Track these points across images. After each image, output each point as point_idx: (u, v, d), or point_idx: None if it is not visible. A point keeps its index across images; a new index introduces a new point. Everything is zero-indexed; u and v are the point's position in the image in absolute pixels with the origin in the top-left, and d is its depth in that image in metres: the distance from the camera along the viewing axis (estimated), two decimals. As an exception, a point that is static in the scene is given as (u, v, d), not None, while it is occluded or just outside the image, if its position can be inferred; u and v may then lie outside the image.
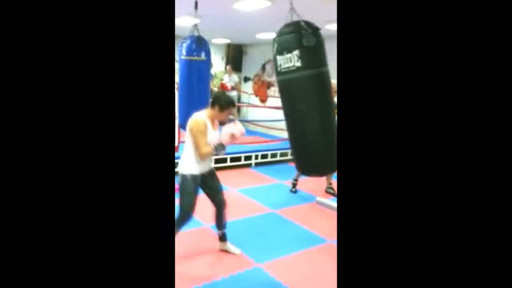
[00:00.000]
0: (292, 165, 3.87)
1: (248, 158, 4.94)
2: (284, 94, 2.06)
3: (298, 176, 3.82)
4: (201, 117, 2.06)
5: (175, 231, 2.14)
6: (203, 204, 3.05)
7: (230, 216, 3.05)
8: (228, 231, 2.77)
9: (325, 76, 2.04)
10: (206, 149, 2.01)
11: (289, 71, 1.91)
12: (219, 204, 2.29)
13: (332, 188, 3.89)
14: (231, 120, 2.10)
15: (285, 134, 6.07)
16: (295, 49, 1.91)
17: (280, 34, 1.97)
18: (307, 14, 2.08)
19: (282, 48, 1.94)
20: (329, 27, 4.54)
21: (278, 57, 1.96)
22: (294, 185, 3.92)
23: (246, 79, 8.12)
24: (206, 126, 2.05)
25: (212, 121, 2.11)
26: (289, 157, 5.17)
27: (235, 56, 8.08)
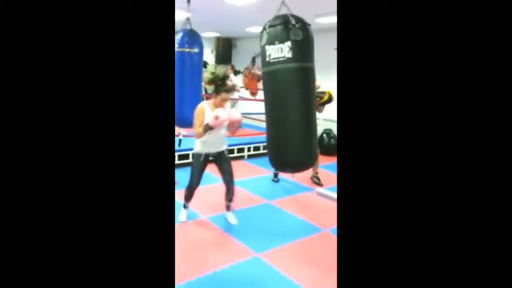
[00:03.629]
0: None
1: (241, 150, 4.99)
2: (269, 85, 2.02)
3: None
4: (202, 103, 2.51)
5: (186, 194, 2.74)
6: (200, 197, 3.09)
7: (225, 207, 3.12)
8: (225, 221, 2.83)
9: (311, 72, 2.01)
10: (198, 129, 2.40)
11: (278, 62, 1.90)
12: (225, 182, 2.68)
13: (317, 178, 4.00)
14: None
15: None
16: (286, 40, 1.89)
17: (271, 25, 1.95)
18: (297, 7, 2.10)
19: (274, 38, 1.92)
20: (319, 21, 4.59)
21: (268, 47, 1.94)
22: (276, 175, 4.05)
23: (236, 73, 8.11)
24: (203, 110, 2.43)
25: (216, 106, 2.44)
26: (262, 151, 5.22)
27: (225, 50, 8.05)
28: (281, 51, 1.88)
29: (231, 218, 2.82)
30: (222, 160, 2.65)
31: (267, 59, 1.93)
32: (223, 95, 2.44)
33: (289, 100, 1.93)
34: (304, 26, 1.96)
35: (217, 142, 2.59)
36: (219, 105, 2.46)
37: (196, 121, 2.43)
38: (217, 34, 7.29)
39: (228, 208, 2.84)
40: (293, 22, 1.90)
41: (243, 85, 7.87)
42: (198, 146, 2.59)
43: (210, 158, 2.64)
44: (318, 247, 2.50)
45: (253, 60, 7.55)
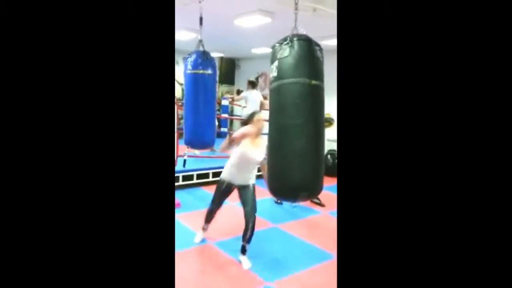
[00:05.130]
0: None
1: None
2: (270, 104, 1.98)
3: None
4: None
5: (206, 215, 2.72)
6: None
7: (233, 232, 3.02)
8: (233, 247, 2.73)
9: (296, 86, 1.85)
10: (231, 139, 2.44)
11: (271, 81, 1.87)
12: (245, 216, 2.48)
13: (317, 198, 3.92)
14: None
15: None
16: (275, 59, 1.85)
17: (272, 46, 1.90)
18: (304, 29, 2.11)
19: (270, 58, 1.90)
20: (326, 43, 4.63)
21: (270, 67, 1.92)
22: None
23: (239, 92, 8.14)
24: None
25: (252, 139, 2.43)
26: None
27: (228, 70, 8.11)
28: (272, 70, 1.87)
29: (245, 262, 2.48)
30: (245, 191, 2.52)
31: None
32: (253, 120, 2.45)
33: (281, 115, 1.83)
34: (297, 42, 1.85)
35: (243, 177, 2.50)
36: (256, 134, 2.47)
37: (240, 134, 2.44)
38: (221, 54, 7.35)
39: (242, 249, 2.52)
40: (287, 40, 1.84)
41: (245, 105, 7.88)
42: (225, 172, 2.56)
43: (233, 187, 2.55)
44: (331, 276, 2.39)
45: (257, 80, 7.59)
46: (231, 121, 8.17)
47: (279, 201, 3.97)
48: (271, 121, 1.97)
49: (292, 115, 1.84)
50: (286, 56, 1.84)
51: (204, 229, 2.80)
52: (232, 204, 3.70)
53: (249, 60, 7.62)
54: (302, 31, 2.02)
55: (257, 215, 2.95)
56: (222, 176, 2.56)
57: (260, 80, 7.45)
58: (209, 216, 2.70)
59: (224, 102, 8.09)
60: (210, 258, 2.58)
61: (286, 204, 3.94)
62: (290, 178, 1.78)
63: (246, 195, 2.49)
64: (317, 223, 3.43)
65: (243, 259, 2.49)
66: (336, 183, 4.06)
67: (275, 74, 1.84)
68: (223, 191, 2.54)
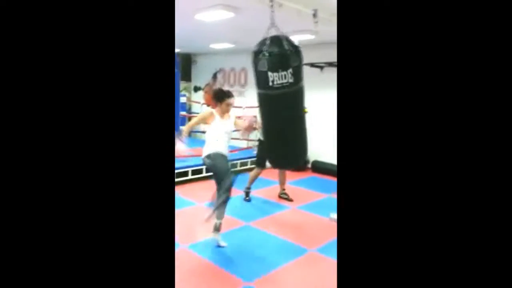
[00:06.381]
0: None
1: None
2: (272, 104, 2.31)
3: (250, 184, 3.95)
4: (210, 109, 2.76)
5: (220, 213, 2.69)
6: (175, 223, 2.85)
7: (207, 234, 2.93)
8: (207, 249, 2.65)
9: (303, 88, 2.38)
10: (192, 123, 2.80)
11: (283, 87, 2.16)
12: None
13: (285, 193, 4.02)
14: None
15: (242, 144, 5.99)
16: (288, 67, 2.15)
17: (271, 52, 2.14)
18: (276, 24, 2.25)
19: (277, 66, 2.14)
20: (295, 37, 4.65)
21: (271, 74, 2.15)
22: (247, 194, 3.98)
23: (196, 89, 7.97)
24: (212, 115, 2.67)
25: (224, 113, 2.71)
26: (250, 166, 5.14)
27: (184, 66, 7.87)
28: (284, 77, 2.16)
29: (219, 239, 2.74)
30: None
31: (271, 84, 2.18)
32: (228, 100, 2.68)
33: (286, 114, 2.30)
34: (298, 50, 2.21)
35: (226, 147, 2.77)
36: (226, 110, 2.69)
37: (197, 118, 2.73)
38: (177, 50, 7.10)
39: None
40: (290, 48, 2.15)
41: (204, 101, 7.71)
42: (215, 149, 2.69)
43: None
44: (309, 270, 2.42)
45: (215, 76, 7.44)
46: (189, 118, 7.96)
47: (247, 198, 3.95)
48: (279, 113, 2.30)
49: (296, 109, 2.33)
50: (298, 65, 2.22)
51: (218, 229, 2.70)
52: (201, 205, 3.60)
53: (207, 55, 7.46)
54: (278, 28, 2.23)
55: (227, 214, 2.91)
56: (216, 152, 2.63)
57: (219, 76, 7.32)
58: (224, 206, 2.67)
59: (182, 100, 7.86)
60: (184, 262, 2.48)
61: (255, 201, 3.93)
62: (291, 152, 2.44)
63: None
64: (287, 218, 3.46)
65: (217, 235, 2.70)
66: (302, 178, 4.14)
67: (291, 80, 2.17)
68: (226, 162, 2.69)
